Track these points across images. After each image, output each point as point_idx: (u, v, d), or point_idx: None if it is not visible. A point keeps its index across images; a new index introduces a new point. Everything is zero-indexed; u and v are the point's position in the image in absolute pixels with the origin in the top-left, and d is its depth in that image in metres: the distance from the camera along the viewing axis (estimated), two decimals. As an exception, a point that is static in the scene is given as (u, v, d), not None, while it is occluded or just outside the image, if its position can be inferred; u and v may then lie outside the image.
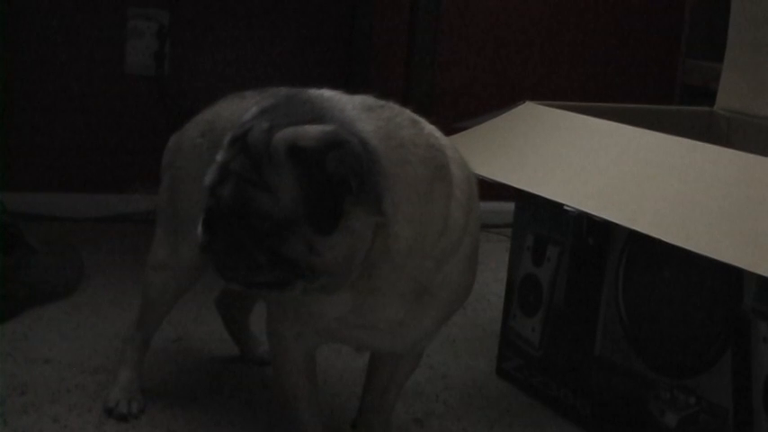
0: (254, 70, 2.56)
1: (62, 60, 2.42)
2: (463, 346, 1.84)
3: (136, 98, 2.49)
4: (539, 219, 1.62)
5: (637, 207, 1.34)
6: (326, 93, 1.12)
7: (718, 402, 1.34)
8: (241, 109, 1.33)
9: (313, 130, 1.04)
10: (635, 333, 1.46)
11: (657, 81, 2.93)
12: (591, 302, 1.53)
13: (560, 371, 1.59)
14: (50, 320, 1.79)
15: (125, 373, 1.48)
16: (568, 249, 1.57)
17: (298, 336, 1.25)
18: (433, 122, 1.18)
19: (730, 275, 1.30)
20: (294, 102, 1.10)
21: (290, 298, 1.17)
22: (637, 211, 1.33)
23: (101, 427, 1.41)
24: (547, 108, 1.67)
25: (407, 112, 1.14)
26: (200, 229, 1.12)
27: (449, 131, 1.27)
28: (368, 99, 1.13)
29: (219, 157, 1.10)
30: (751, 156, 1.34)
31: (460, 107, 2.72)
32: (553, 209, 1.54)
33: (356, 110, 1.09)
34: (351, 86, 2.52)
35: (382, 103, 1.13)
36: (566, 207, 1.40)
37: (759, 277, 1.17)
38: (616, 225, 1.35)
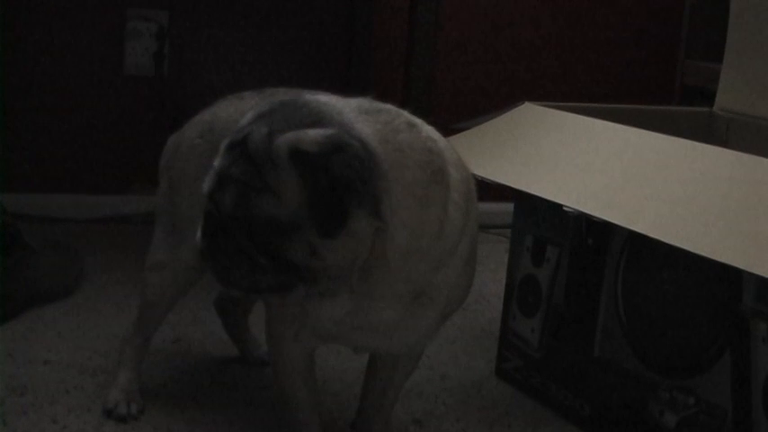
0: (254, 71, 2.56)
1: (61, 61, 2.42)
2: (462, 346, 1.84)
3: (135, 99, 2.49)
4: (538, 219, 1.62)
5: (636, 208, 1.34)
6: (322, 97, 1.12)
7: (717, 403, 1.34)
8: (239, 110, 1.33)
9: (314, 133, 1.04)
10: (634, 334, 1.46)
11: (656, 82, 2.92)
12: (590, 303, 1.53)
13: (560, 371, 1.59)
14: (50, 321, 1.79)
15: (124, 374, 1.48)
16: (568, 250, 1.57)
17: (297, 337, 1.25)
18: (431, 123, 1.18)
19: (729, 276, 1.30)
20: (291, 106, 1.10)
21: (291, 301, 1.18)
22: (636, 211, 1.33)
23: (100, 428, 1.41)
24: (546, 109, 1.67)
25: (404, 116, 1.14)
26: (199, 235, 1.12)
27: (447, 132, 1.27)
28: (364, 102, 1.13)
29: (217, 162, 1.10)
30: (750, 156, 1.34)
31: (459, 107, 2.72)
32: (552, 210, 1.54)
33: (353, 113, 1.09)
34: (350, 87, 2.52)
35: (379, 106, 1.13)
36: (565, 208, 1.40)
37: (758, 278, 1.17)
38: (615, 226, 1.35)
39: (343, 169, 1.03)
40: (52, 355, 1.64)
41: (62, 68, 2.43)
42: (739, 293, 1.30)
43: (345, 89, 1.14)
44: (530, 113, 1.67)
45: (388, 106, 1.15)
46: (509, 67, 2.79)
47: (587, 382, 1.54)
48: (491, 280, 2.16)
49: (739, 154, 1.36)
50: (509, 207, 1.70)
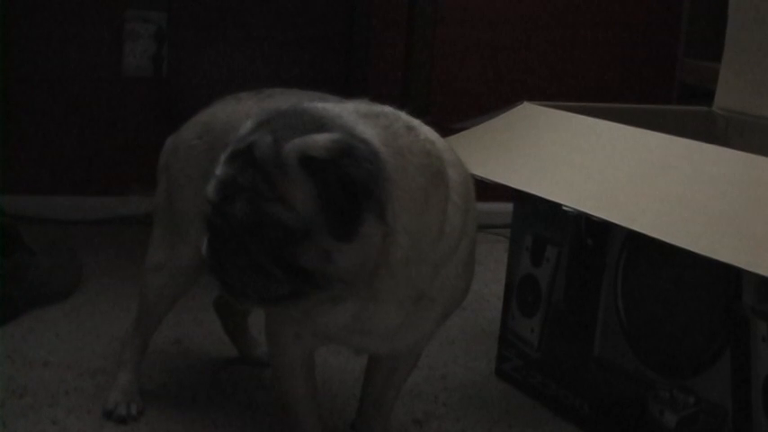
0: (253, 72, 2.55)
1: (60, 63, 2.42)
2: (462, 346, 1.84)
3: (134, 100, 2.49)
4: (537, 219, 1.62)
5: (635, 207, 1.34)
6: (319, 103, 1.12)
7: (717, 402, 1.34)
8: (237, 111, 1.33)
9: (321, 138, 1.04)
10: (634, 333, 1.46)
11: (655, 81, 2.92)
12: (590, 303, 1.53)
13: (559, 371, 1.59)
14: (49, 323, 1.79)
15: (124, 376, 1.48)
16: (567, 250, 1.57)
17: (296, 337, 1.25)
18: (429, 123, 1.18)
19: (729, 275, 1.30)
20: (290, 113, 1.09)
21: (304, 309, 1.16)
22: (635, 210, 1.33)
23: (100, 429, 1.41)
24: (544, 108, 1.67)
25: (402, 118, 1.13)
26: (205, 248, 1.11)
27: (446, 132, 1.27)
28: (361, 106, 1.13)
29: (220, 172, 1.08)
30: (749, 155, 1.34)
31: (458, 107, 2.72)
32: (551, 209, 1.53)
33: (352, 117, 1.09)
34: (349, 87, 2.52)
35: (376, 110, 1.13)
36: (564, 207, 1.40)
37: (758, 277, 1.17)
38: (615, 225, 1.35)
39: (355, 172, 1.03)
40: (52, 356, 1.64)
41: (61, 70, 2.42)
42: (739, 292, 1.30)
43: (344, 90, 1.14)
44: (528, 113, 1.67)
45: (386, 109, 1.15)
46: (507, 66, 2.79)
47: (587, 381, 1.54)
48: (490, 280, 2.16)
49: (738, 153, 1.36)
50: (508, 207, 1.70)
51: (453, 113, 2.64)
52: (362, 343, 1.21)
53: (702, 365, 1.35)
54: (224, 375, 1.64)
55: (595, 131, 1.55)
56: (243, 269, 1.08)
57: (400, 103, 1.16)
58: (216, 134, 1.34)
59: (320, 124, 1.07)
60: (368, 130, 1.07)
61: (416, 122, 1.15)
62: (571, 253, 1.56)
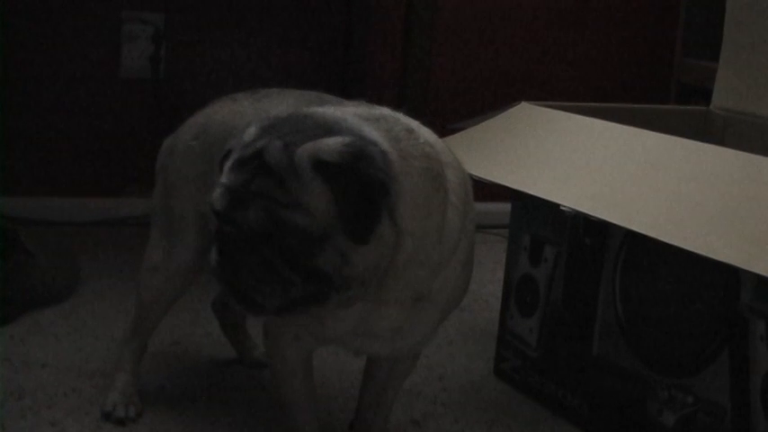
0: (250, 72, 2.55)
1: (58, 64, 2.42)
2: (461, 347, 1.84)
3: (131, 102, 2.49)
4: (535, 219, 1.62)
5: (633, 207, 1.34)
6: (318, 108, 1.12)
7: (715, 401, 1.34)
8: (233, 111, 1.33)
9: (333, 142, 1.04)
10: (632, 332, 1.46)
11: (653, 80, 2.93)
12: (588, 302, 1.53)
13: (558, 371, 1.59)
14: (48, 324, 1.79)
15: (122, 377, 1.48)
16: (565, 249, 1.57)
17: (295, 339, 1.25)
18: (427, 123, 1.18)
19: (727, 274, 1.30)
20: (294, 119, 1.09)
21: (324, 313, 1.16)
22: (633, 210, 1.33)
23: (98, 430, 1.41)
24: (542, 108, 1.67)
25: (401, 121, 1.13)
26: (214, 257, 1.09)
27: (444, 132, 1.27)
28: (360, 109, 1.12)
29: (227, 179, 1.07)
30: (747, 155, 1.34)
31: (456, 108, 2.72)
32: (549, 209, 1.53)
33: (355, 121, 1.09)
34: (347, 88, 2.52)
35: (376, 113, 1.13)
36: (562, 207, 1.40)
37: (756, 276, 1.17)
38: (613, 225, 1.35)
39: (373, 173, 1.02)
40: (50, 358, 1.64)
41: (58, 71, 2.42)
42: (737, 292, 1.30)
43: (342, 90, 1.14)
44: (526, 113, 1.67)
45: (385, 111, 1.14)
46: (505, 66, 2.79)
47: (586, 381, 1.54)
48: (489, 280, 2.16)
49: (736, 152, 1.37)
50: (506, 207, 1.70)
51: (451, 113, 2.64)
52: (363, 345, 1.21)
53: (701, 364, 1.35)
54: (222, 377, 1.64)
55: (593, 131, 1.55)
56: (259, 277, 1.06)
57: (397, 103, 1.16)
58: (212, 135, 1.34)
59: (327, 128, 1.06)
60: (373, 133, 1.07)
61: (415, 124, 1.15)
62: (569, 253, 1.56)
